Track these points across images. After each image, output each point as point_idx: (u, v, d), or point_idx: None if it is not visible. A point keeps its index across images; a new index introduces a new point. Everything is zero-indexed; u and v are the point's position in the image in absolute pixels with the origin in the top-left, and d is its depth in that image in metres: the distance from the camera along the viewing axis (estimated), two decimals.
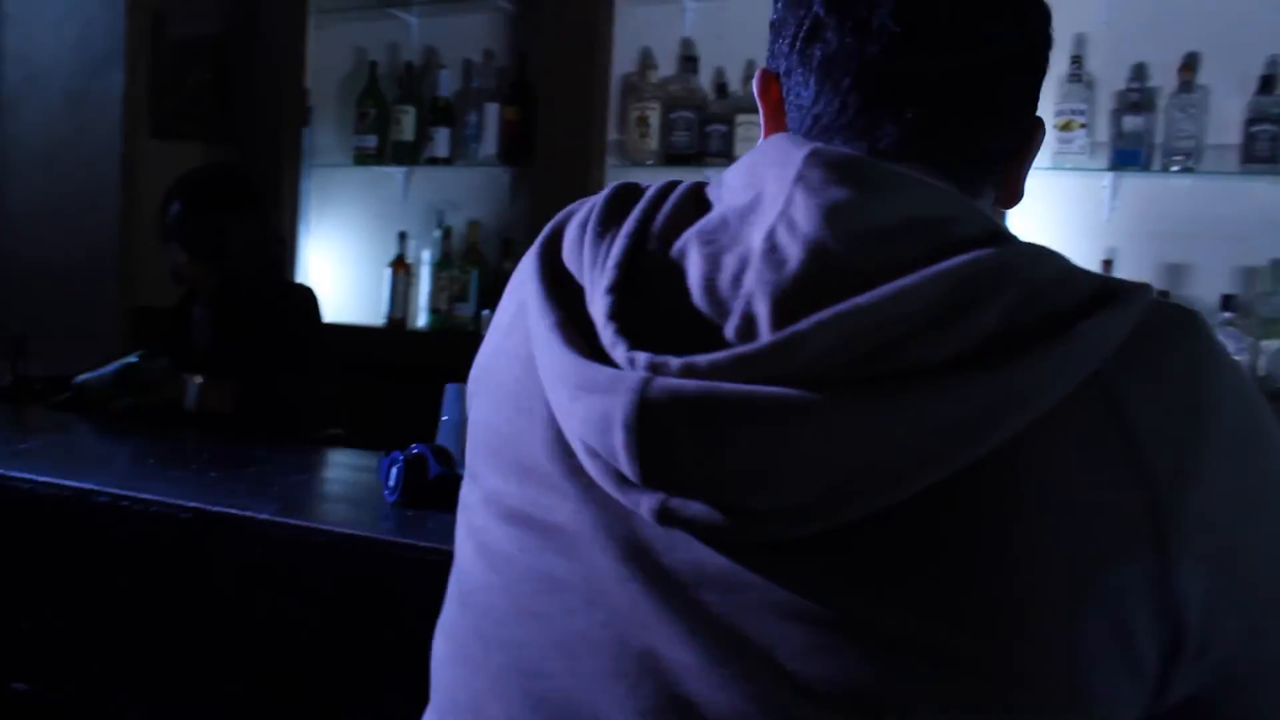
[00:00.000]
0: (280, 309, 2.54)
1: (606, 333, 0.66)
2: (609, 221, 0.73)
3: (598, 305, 0.68)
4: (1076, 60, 2.85)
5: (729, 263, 0.66)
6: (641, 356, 0.63)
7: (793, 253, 0.63)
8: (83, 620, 1.61)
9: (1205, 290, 2.79)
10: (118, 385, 2.33)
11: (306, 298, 2.62)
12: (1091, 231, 2.89)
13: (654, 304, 0.67)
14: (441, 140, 3.41)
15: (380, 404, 2.99)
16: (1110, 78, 2.85)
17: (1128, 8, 2.83)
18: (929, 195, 0.66)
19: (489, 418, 0.76)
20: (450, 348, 3.37)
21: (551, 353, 0.68)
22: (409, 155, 3.46)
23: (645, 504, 0.63)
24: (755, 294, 0.63)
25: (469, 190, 3.49)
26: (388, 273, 3.47)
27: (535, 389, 0.71)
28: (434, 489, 1.58)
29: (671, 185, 0.78)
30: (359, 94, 3.53)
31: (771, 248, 0.64)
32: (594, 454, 0.65)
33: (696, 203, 0.74)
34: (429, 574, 1.39)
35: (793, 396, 0.58)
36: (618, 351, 0.64)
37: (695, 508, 0.62)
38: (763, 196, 0.68)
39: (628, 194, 0.77)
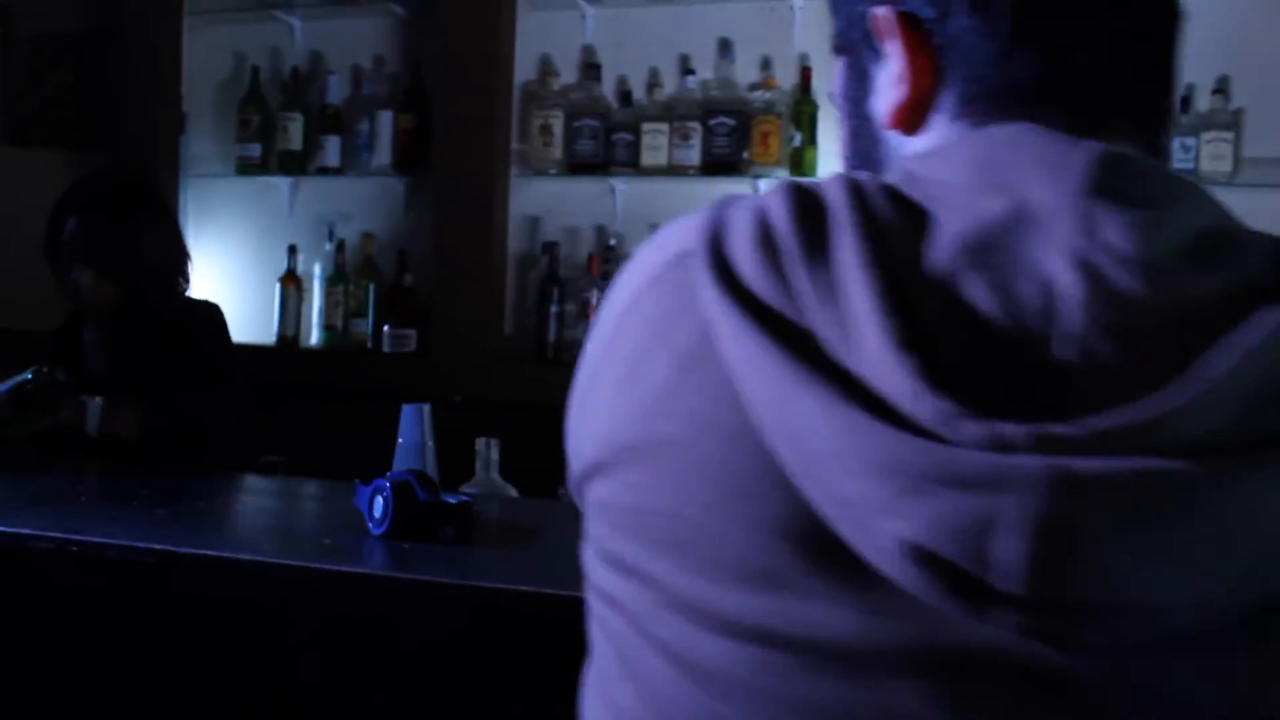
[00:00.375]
0: (187, 326, 2.35)
1: (928, 404, 0.51)
2: (814, 240, 0.58)
3: (880, 362, 0.52)
4: None
5: (1027, 292, 0.53)
6: (1016, 430, 0.49)
7: (1125, 282, 0.52)
8: (30, 683, 1.42)
9: None
10: (11, 408, 2.10)
11: (214, 314, 2.43)
12: None
13: (947, 354, 0.52)
14: (332, 149, 3.24)
15: (280, 426, 2.81)
16: None
17: None
18: (1200, 199, 0.59)
19: (665, 502, 0.59)
20: (346, 365, 3.20)
21: (850, 432, 0.52)
22: (297, 165, 3.28)
23: (1005, 616, 0.51)
24: (1092, 336, 0.51)
25: (361, 201, 3.33)
26: (277, 288, 3.27)
27: (758, 469, 0.56)
28: (422, 518, 1.46)
29: (854, 185, 0.61)
30: (240, 100, 3.32)
31: (1093, 276, 0.52)
32: (927, 560, 0.51)
33: (903, 208, 0.60)
34: (436, 609, 1.28)
35: (1223, 466, 0.49)
36: (963, 428, 0.50)
37: (1079, 613, 0.50)
38: (1030, 206, 0.56)
39: (809, 201, 0.61)
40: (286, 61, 3.36)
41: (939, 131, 0.67)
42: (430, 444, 1.81)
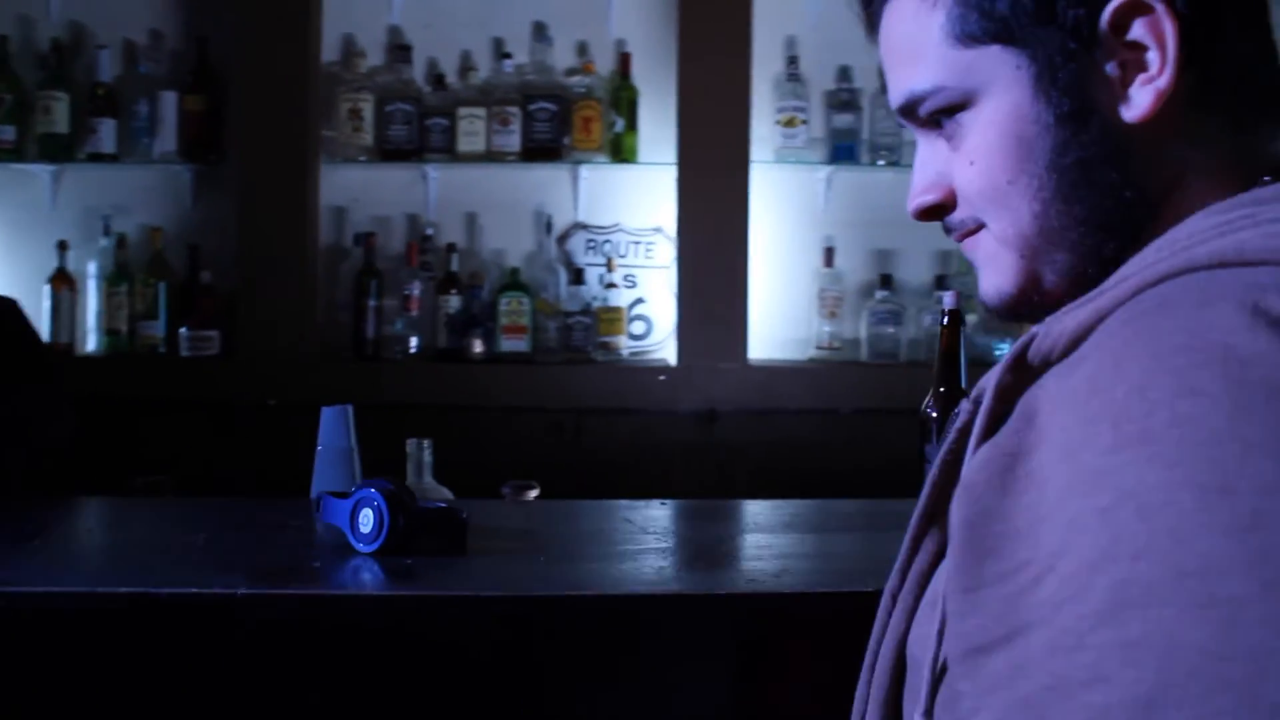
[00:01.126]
0: None
1: None
2: None
3: None
4: (793, 60, 2.94)
5: None
6: None
7: None
8: None
9: (912, 273, 3.00)
10: None
11: (11, 309, 2.06)
12: (810, 222, 3.00)
13: None
14: (106, 133, 2.83)
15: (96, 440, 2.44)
16: (821, 78, 2.98)
17: (832, 12, 2.97)
18: None
19: None
20: (137, 372, 2.82)
21: None
22: (63, 150, 2.84)
23: None
24: None
25: (140, 191, 2.94)
26: (46, 290, 2.84)
27: None
28: (417, 530, 1.28)
29: None
30: None
31: None
32: None
33: None
34: (475, 624, 1.13)
35: None
36: None
37: None
38: None
39: None
40: (42, 32, 2.91)
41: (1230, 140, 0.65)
42: (356, 449, 1.60)
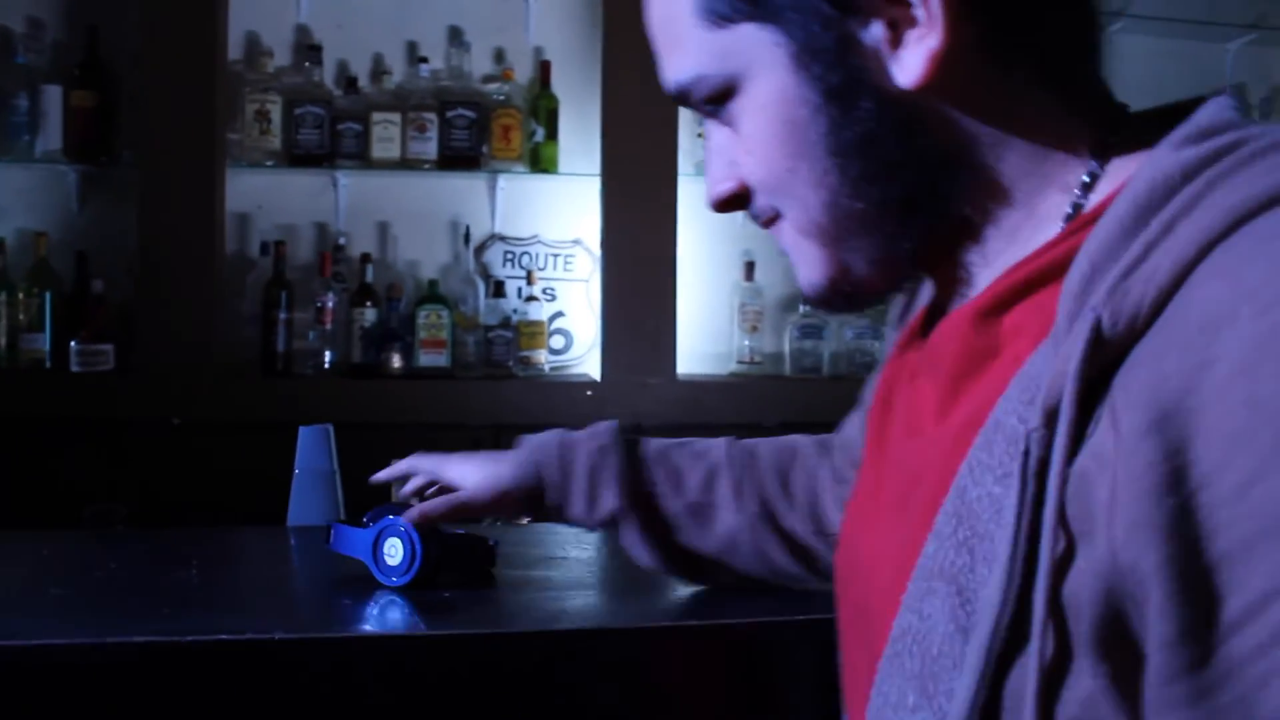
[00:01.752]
0: None
1: None
2: None
3: None
4: None
5: None
6: None
7: None
8: None
9: None
10: None
11: None
12: (730, 236, 2.94)
13: None
14: None
15: None
16: None
17: None
18: None
19: None
20: (15, 388, 2.54)
21: None
22: None
23: None
24: None
25: (20, 193, 2.65)
26: None
27: None
28: (452, 560, 1.15)
29: None
30: None
31: None
32: None
33: None
34: (540, 656, 1.01)
35: None
36: None
37: None
38: None
39: None
40: None
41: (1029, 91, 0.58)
42: (338, 471, 1.45)
